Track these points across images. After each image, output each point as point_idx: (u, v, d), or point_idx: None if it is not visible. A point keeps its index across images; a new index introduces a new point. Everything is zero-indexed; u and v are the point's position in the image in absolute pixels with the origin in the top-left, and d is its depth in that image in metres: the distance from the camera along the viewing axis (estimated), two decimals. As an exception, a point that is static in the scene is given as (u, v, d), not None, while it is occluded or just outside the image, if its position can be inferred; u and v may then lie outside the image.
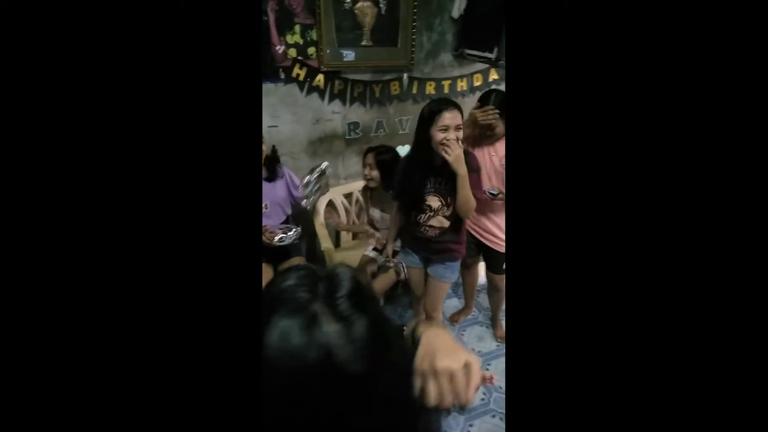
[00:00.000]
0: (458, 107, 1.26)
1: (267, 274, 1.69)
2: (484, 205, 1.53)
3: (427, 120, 1.26)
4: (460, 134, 1.25)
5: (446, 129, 1.23)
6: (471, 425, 1.60)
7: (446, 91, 2.09)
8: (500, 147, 1.49)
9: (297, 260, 1.75)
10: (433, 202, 1.36)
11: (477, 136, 1.51)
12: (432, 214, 1.39)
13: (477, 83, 2.14)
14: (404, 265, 1.58)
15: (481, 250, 1.70)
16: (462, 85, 2.12)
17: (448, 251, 1.45)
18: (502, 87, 2.21)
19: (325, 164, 1.51)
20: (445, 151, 1.23)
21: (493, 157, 1.50)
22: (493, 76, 2.15)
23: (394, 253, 1.65)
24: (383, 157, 1.71)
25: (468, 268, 1.84)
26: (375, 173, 1.71)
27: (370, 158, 1.72)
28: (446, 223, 1.40)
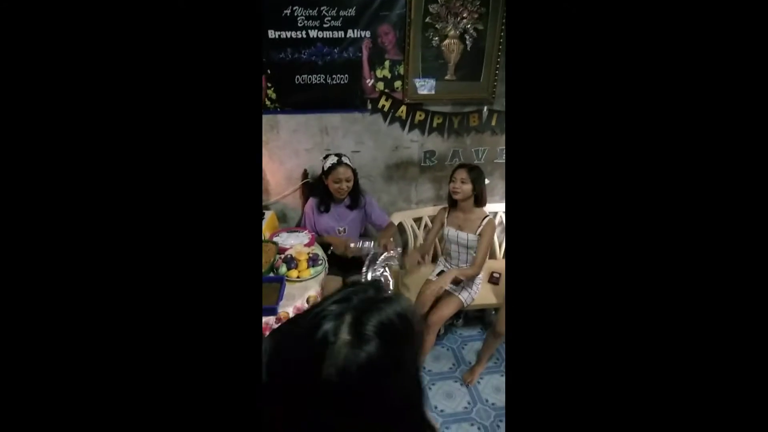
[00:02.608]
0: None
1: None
2: None
3: None
4: None
5: None
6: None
7: (526, 124, 2.09)
8: None
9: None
10: None
11: None
12: None
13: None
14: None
15: None
16: (543, 119, 2.10)
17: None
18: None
19: (391, 252, 1.55)
20: None
21: None
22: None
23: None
24: (475, 174, 1.73)
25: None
26: (467, 187, 1.73)
27: (463, 173, 1.74)
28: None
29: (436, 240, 2.01)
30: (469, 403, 1.73)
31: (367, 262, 1.50)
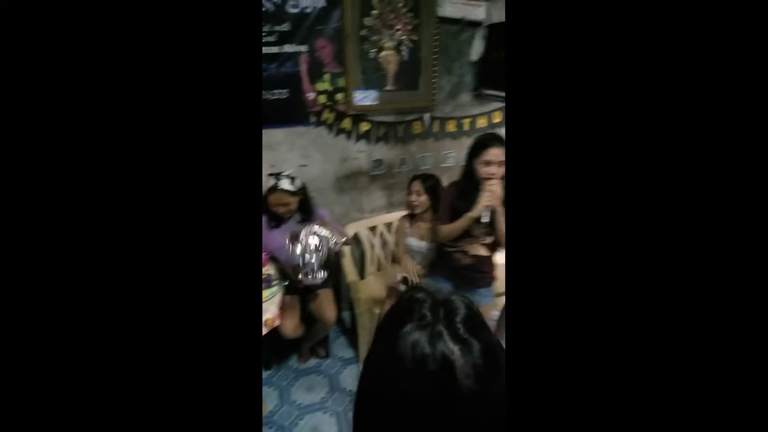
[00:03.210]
0: (503, 144, 1.32)
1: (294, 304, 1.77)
2: None
3: (474, 151, 1.36)
4: (502, 170, 1.31)
5: (488, 163, 1.32)
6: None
7: (466, 128, 2.18)
8: None
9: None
10: (474, 230, 1.42)
11: None
12: (470, 240, 1.45)
13: (496, 120, 2.22)
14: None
15: None
16: (482, 122, 2.21)
17: (478, 279, 1.51)
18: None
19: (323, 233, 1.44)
20: (487, 187, 1.30)
21: None
22: (512, 113, 2.24)
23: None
24: (430, 183, 1.77)
25: None
26: (423, 198, 1.75)
27: (418, 185, 1.77)
28: (484, 252, 1.46)
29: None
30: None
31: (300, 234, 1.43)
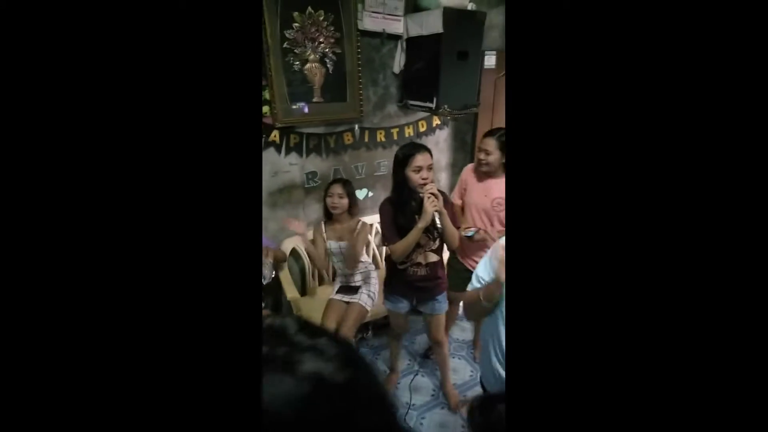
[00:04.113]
0: (428, 150, 1.38)
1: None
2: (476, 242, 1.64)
3: (401, 162, 1.38)
4: (432, 174, 1.37)
5: (420, 169, 1.35)
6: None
7: (395, 137, 2.25)
8: (495, 187, 1.61)
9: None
10: (421, 239, 1.43)
11: (476, 174, 1.66)
12: (420, 250, 1.46)
13: (422, 129, 2.33)
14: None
15: None
16: (409, 131, 2.30)
17: (435, 287, 1.54)
18: (446, 131, 2.43)
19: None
20: (423, 192, 1.33)
21: (485, 198, 1.62)
22: (436, 121, 2.36)
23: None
24: (350, 188, 1.85)
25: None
26: (345, 201, 1.81)
27: (339, 188, 1.82)
28: (435, 258, 1.49)
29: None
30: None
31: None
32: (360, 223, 1.85)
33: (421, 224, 1.34)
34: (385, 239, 1.48)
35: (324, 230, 1.89)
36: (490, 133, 1.58)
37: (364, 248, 1.94)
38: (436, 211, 1.33)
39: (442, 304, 1.60)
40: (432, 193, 1.33)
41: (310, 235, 1.95)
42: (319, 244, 1.89)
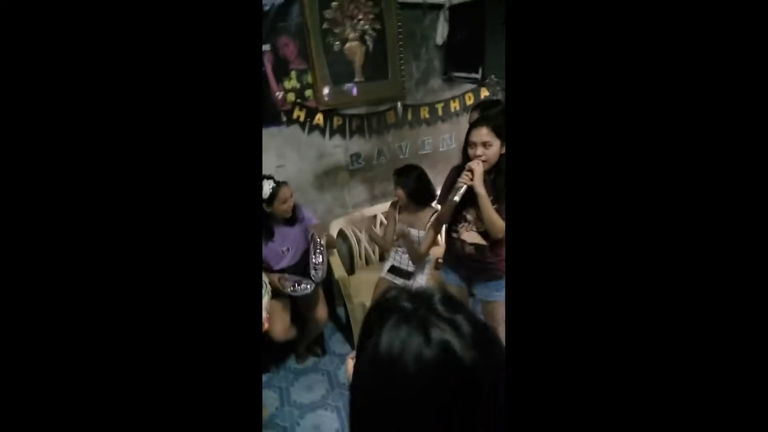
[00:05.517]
0: (486, 124, 1.27)
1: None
2: None
3: (467, 135, 1.32)
4: (487, 151, 1.26)
5: (474, 145, 1.28)
6: None
7: (440, 113, 2.17)
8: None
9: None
10: (469, 213, 1.37)
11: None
12: (467, 225, 1.38)
13: (469, 102, 2.22)
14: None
15: None
16: (455, 105, 2.20)
17: (486, 270, 1.40)
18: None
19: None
20: (467, 166, 1.27)
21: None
22: (484, 93, 2.23)
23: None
24: (402, 180, 1.77)
25: None
26: (401, 192, 1.76)
27: (394, 180, 1.78)
28: (482, 241, 1.37)
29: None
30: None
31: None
32: (434, 214, 1.74)
33: (450, 196, 1.29)
34: (438, 200, 1.52)
35: (397, 213, 1.86)
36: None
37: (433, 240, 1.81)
38: (459, 186, 1.25)
39: (493, 291, 1.43)
40: (471, 169, 1.26)
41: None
42: (390, 225, 1.88)
